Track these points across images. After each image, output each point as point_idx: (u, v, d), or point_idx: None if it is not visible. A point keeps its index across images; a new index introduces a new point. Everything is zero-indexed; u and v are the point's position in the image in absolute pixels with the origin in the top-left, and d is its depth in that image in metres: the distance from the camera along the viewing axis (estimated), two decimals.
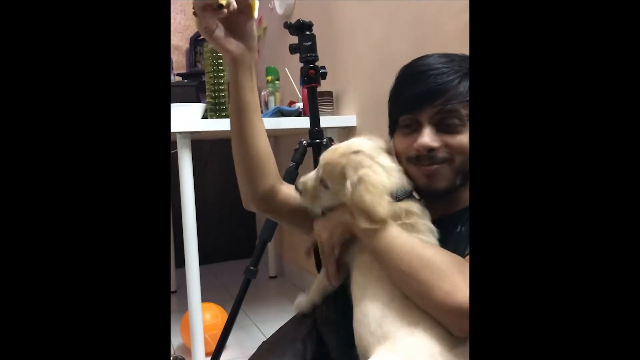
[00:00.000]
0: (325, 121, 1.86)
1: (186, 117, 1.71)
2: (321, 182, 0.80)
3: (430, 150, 0.80)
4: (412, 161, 0.83)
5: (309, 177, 0.83)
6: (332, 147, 0.83)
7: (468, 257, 0.72)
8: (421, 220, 0.78)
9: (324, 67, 1.46)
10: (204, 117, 1.80)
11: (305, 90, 1.54)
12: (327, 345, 0.87)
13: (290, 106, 2.03)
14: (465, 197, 0.85)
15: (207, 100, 1.80)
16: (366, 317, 0.71)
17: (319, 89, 1.54)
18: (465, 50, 1.27)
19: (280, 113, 1.90)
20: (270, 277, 2.92)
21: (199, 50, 3.41)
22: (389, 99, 0.90)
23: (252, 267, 1.45)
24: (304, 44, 1.42)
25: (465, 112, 0.80)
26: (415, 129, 0.82)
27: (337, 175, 0.78)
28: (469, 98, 0.80)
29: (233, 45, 0.81)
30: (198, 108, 1.76)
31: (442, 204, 0.85)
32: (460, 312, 0.64)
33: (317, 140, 1.52)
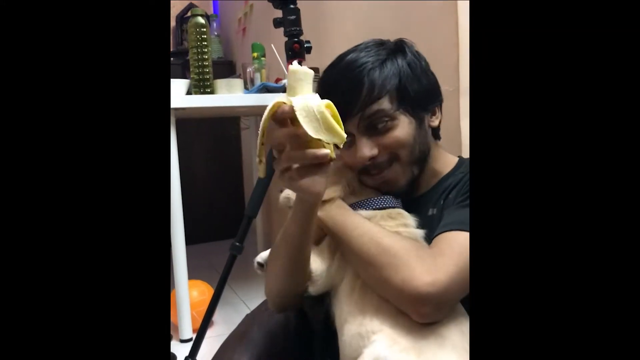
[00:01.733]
0: None
1: (170, 93, 1.69)
2: None
3: (372, 158, 0.78)
4: (363, 174, 0.81)
5: None
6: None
7: (437, 237, 0.72)
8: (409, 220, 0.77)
9: (308, 42, 1.44)
10: (189, 93, 1.78)
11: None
12: (309, 318, 0.88)
13: (276, 83, 2.01)
14: (427, 177, 0.85)
15: (192, 76, 1.77)
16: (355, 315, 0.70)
17: (304, 65, 1.53)
18: (449, 26, 1.26)
19: (265, 89, 1.89)
20: None
21: (185, 29, 3.36)
22: None
23: (237, 243, 1.44)
24: (288, 17, 1.40)
25: (388, 104, 0.77)
26: (350, 141, 0.79)
27: None
28: (390, 84, 0.77)
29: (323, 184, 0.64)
30: (182, 84, 1.74)
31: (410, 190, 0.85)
32: (418, 298, 0.63)
33: None
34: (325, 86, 0.82)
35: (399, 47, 0.82)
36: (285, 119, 0.59)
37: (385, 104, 0.77)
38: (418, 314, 0.65)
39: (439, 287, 0.63)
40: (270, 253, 0.82)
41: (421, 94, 0.80)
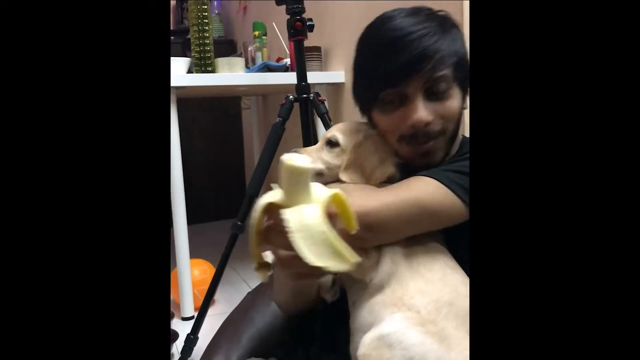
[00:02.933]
0: (314, 77, 1.83)
1: (171, 72, 1.68)
2: (329, 142, 0.78)
3: (427, 124, 0.74)
4: (405, 140, 0.76)
5: (310, 148, 0.80)
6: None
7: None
8: None
9: (310, 20, 1.42)
10: (189, 72, 1.77)
11: (292, 43, 1.51)
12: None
13: (277, 62, 1.99)
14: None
15: (193, 54, 1.76)
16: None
17: (306, 44, 1.51)
18: (453, 5, 1.24)
19: (267, 68, 1.87)
20: None
21: (185, 7, 3.33)
22: (358, 74, 0.81)
23: (239, 222, 1.45)
24: None
25: (451, 73, 0.75)
26: (401, 103, 0.75)
27: (349, 131, 0.78)
28: (454, 55, 0.75)
29: None
30: (183, 62, 1.73)
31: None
32: (363, 219, 0.63)
33: (304, 95, 1.49)
34: (387, 37, 0.75)
35: (452, 22, 0.80)
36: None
37: (448, 72, 0.75)
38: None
39: (367, 208, 0.66)
40: (275, 283, 0.82)
41: (467, 73, 0.79)
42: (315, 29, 1.49)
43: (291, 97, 1.50)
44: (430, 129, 0.74)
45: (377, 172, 0.74)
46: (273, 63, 1.92)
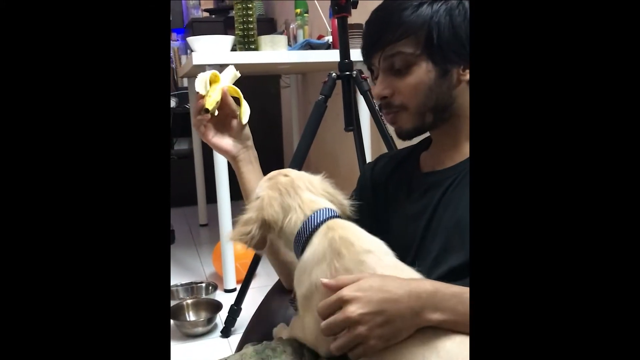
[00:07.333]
0: (356, 55, 1.82)
1: (215, 49, 1.71)
2: None
3: (384, 97, 0.78)
4: (380, 109, 0.86)
5: None
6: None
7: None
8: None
9: None
10: (233, 49, 1.79)
11: (335, 20, 1.50)
12: None
13: (319, 39, 1.99)
14: (451, 151, 0.80)
15: (236, 32, 1.78)
16: None
17: (349, 21, 1.50)
18: None
19: (309, 46, 1.87)
20: None
21: None
22: None
23: None
24: None
25: (411, 48, 0.74)
26: (376, 76, 0.80)
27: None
28: (417, 27, 0.73)
29: (230, 145, 0.88)
30: (227, 40, 1.75)
31: (437, 157, 0.82)
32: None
33: (347, 73, 1.49)
34: (366, 23, 0.81)
35: None
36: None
37: (407, 46, 0.74)
38: None
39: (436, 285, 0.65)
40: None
41: (453, 44, 0.75)
42: (359, 5, 1.48)
43: (334, 74, 1.50)
44: (390, 101, 0.78)
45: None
46: (315, 41, 1.92)
